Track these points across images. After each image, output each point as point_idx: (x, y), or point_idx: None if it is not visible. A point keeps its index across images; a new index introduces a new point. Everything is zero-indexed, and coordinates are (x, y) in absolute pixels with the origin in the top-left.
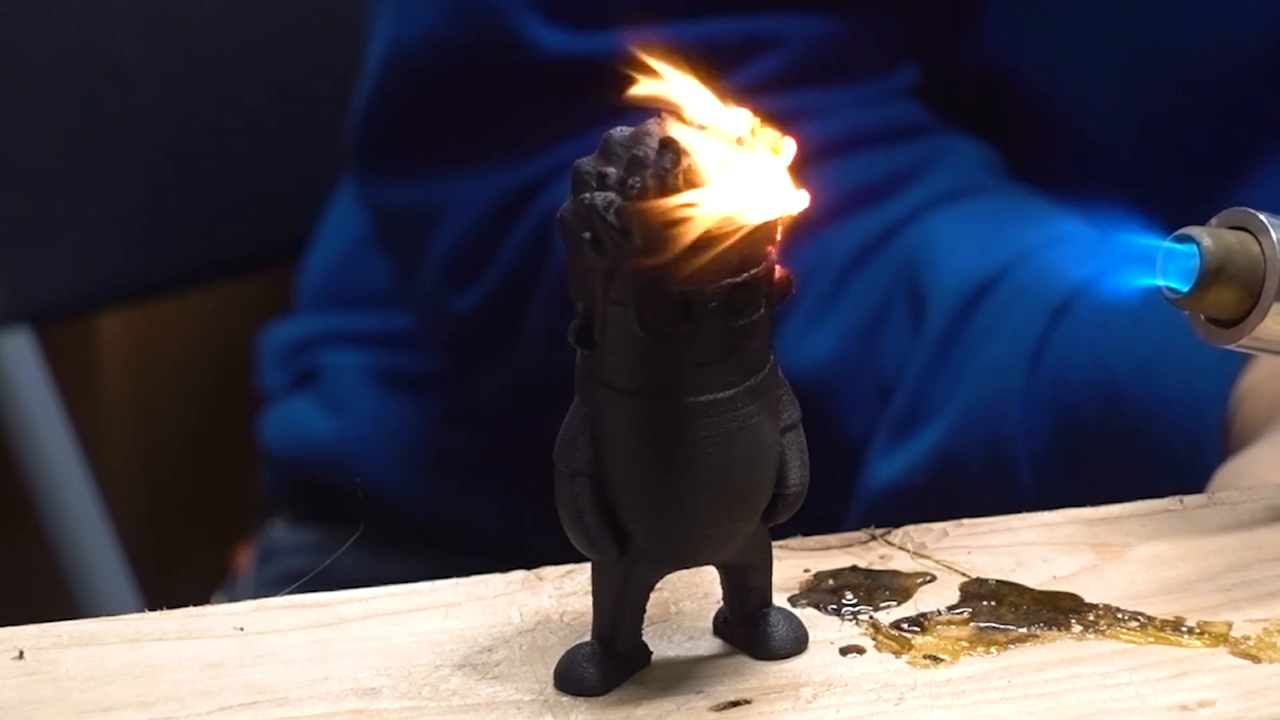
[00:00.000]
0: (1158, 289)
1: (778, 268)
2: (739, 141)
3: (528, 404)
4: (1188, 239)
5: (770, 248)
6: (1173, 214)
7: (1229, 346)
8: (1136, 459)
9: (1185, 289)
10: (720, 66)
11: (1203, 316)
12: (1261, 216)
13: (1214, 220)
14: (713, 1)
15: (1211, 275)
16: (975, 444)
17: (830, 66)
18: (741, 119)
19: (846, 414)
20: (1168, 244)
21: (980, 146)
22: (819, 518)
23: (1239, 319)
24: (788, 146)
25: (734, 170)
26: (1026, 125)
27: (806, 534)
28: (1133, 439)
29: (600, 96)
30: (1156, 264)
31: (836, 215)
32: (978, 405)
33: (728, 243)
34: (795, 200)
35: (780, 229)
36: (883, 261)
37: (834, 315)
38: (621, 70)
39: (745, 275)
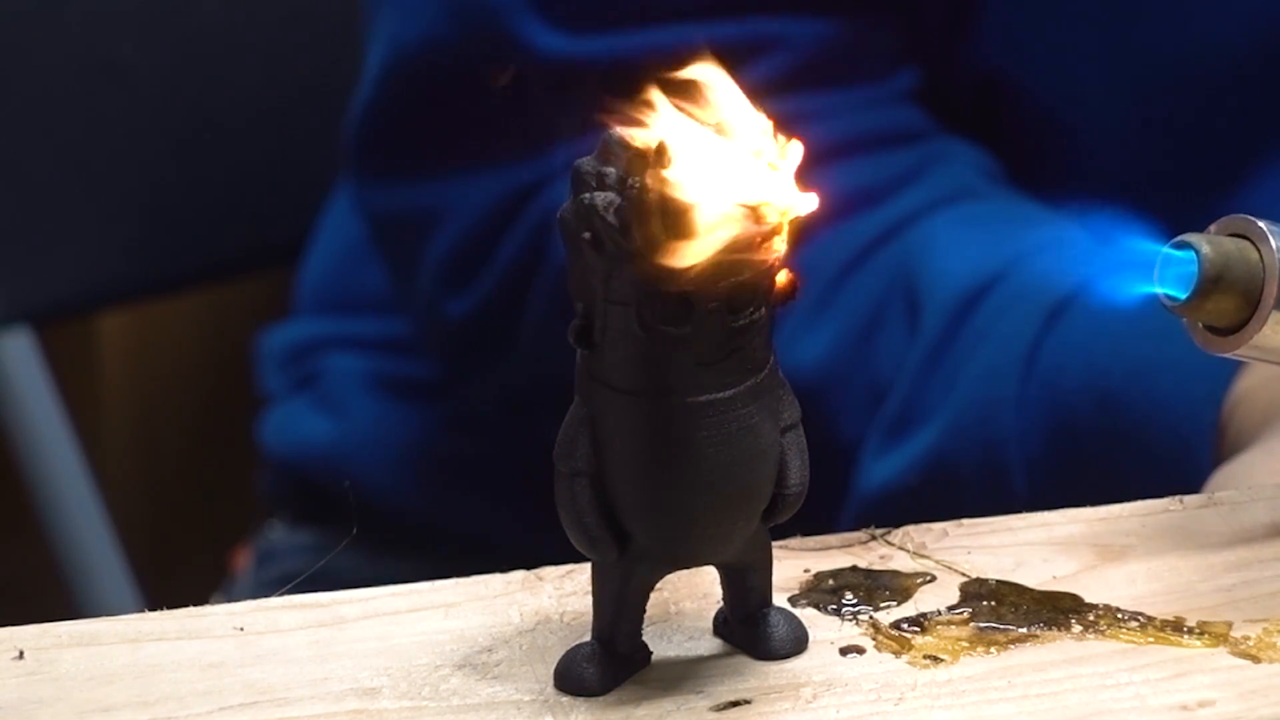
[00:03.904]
0: (1154, 295)
1: (782, 269)
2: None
3: (524, 408)
4: (1186, 246)
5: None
6: (1170, 219)
7: (1227, 355)
8: (1130, 463)
9: (1184, 296)
10: (718, 70)
11: (1200, 324)
12: (1261, 224)
13: (1213, 227)
14: (711, 4)
15: (1210, 283)
16: (969, 447)
17: (829, 70)
18: (756, 120)
19: (840, 417)
20: (1166, 251)
21: (977, 151)
22: (812, 521)
23: (1237, 327)
24: (796, 148)
25: (740, 168)
26: (1024, 130)
27: (804, 535)
28: (1126, 443)
29: (599, 100)
30: (1155, 271)
31: (832, 218)
32: (971, 409)
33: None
34: (804, 201)
35: (786, 230)
36: (878, 265)
37: (829, 318)
38: (632, 73)
39: (745, 275)
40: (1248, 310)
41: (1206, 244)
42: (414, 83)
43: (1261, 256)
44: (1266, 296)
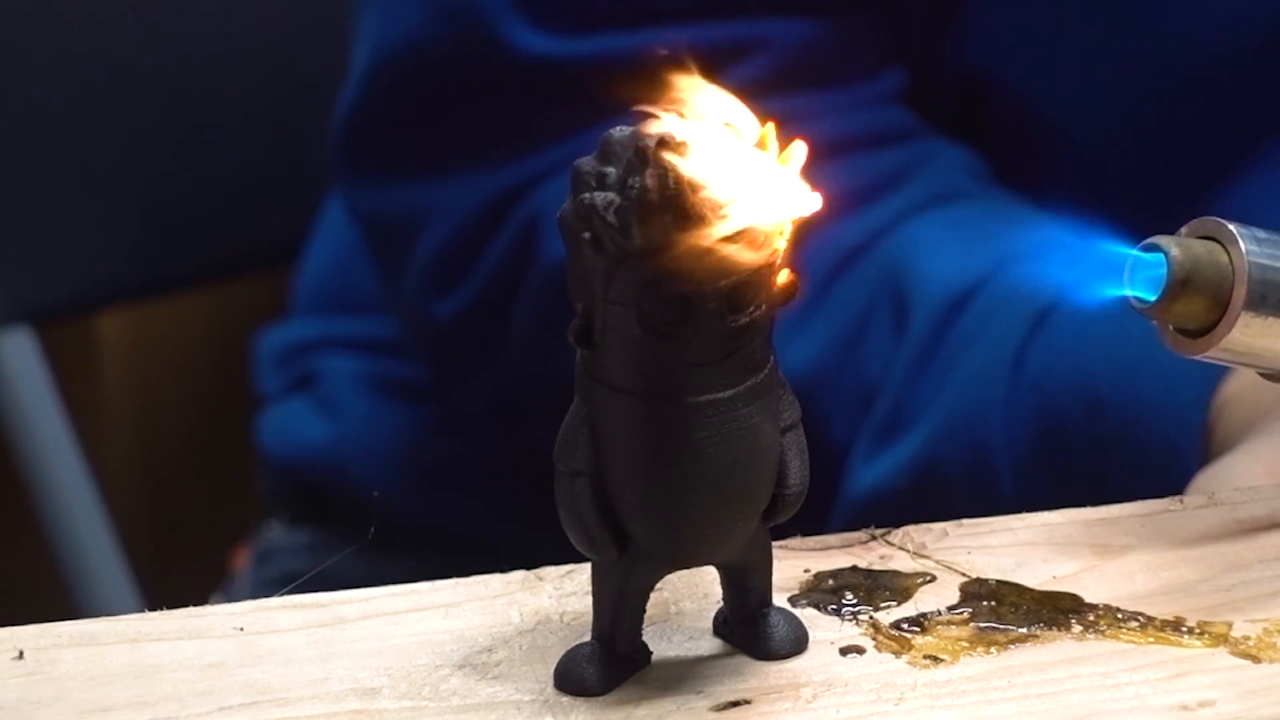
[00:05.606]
0: (1126, 298)
1: (783, 269)
2: (754, 143)
3: (515, 410)
4: (1155, 248)
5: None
6: (1155, 220)
7: (1197, 357)
8: (1118, 466)
9: (1152, 298)
10: (704, 71)
11: (1170, 326)
12: (1231, 226)
13: (1183, 230)
14: (696, 5)
15: (1179, 285)
16: (957, 451)
17: (815, 71)
18: (752, 121)
19: (829, 420)
20: (1135, 253)
21: (964, 152)
22: (800, 524)
23: (1207, 329)
24: (798, 149)
25: (742, 169)
26: (1010, 130)
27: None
28: (1114, 446)
29: (585, 100)
30: (1124, 273)
31: (820, 221)
32: (959, 412)
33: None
34: (807, 201)
35: (786, 229)
36: (865, 267)
37: (816, 321)
38: (618, 74)
39: (746, 274)
40: (1217, 312)
41: (1175, 246)
42: (399, 83)
43: (1230, 259)
44: (1235, 299)
